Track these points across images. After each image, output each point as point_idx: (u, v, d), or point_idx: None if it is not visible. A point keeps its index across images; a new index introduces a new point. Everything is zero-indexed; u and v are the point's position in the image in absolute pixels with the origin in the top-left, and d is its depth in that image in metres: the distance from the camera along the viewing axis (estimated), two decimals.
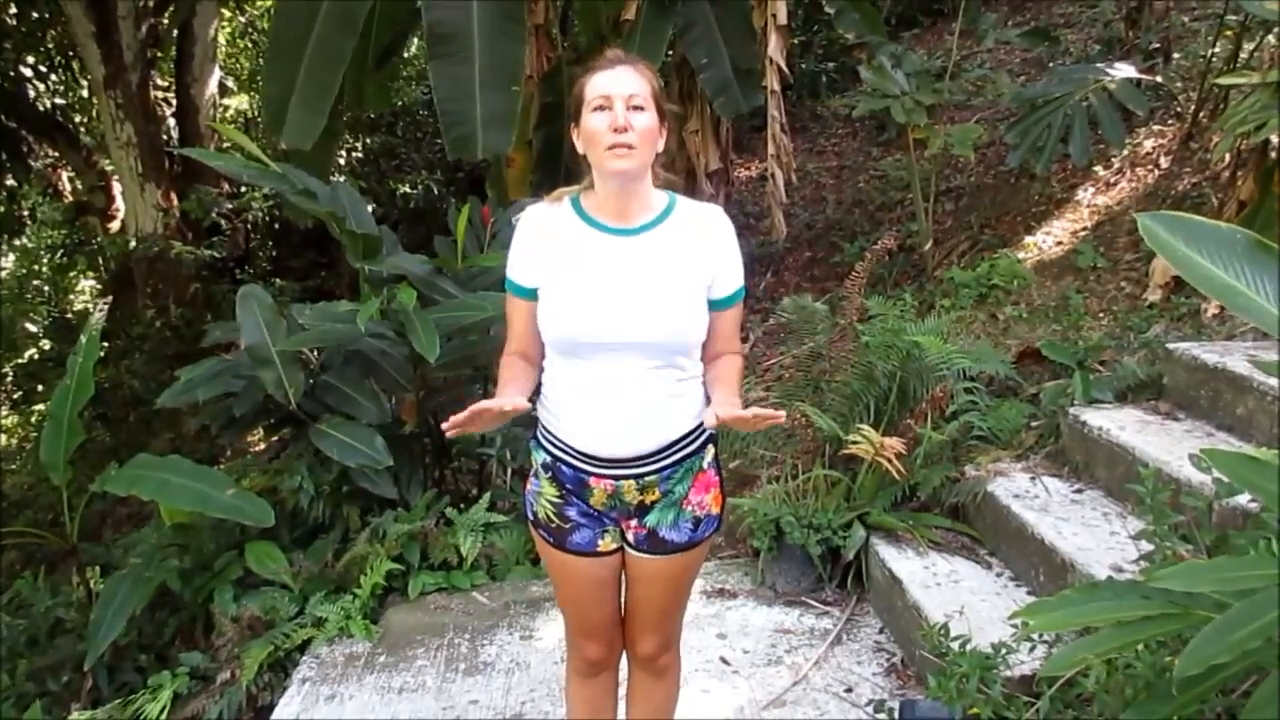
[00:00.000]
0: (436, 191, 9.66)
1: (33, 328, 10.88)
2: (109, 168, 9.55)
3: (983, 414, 3.81)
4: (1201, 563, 1.59)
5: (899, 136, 6.79)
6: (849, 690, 3.02)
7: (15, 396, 10.40)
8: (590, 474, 2.01)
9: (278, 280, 9.42)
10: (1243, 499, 2.41)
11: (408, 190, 9.92)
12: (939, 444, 3.63)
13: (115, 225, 9.76)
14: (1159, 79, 5.75)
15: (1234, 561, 1.42)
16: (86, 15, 8.17)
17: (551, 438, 2.04)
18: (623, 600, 2.22)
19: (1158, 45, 6.21)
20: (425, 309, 3.80)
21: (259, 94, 10.04)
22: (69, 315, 11.04)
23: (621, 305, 1.90)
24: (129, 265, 9.04)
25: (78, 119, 10.97)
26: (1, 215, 10.35)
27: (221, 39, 10.74)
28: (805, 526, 3.51)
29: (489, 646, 3.43)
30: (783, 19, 5.41)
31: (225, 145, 9.11)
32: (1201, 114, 5.40)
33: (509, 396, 1.88)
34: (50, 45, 10.00)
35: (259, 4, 11.41)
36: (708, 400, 2.05)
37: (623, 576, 2.18)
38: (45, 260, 11.72)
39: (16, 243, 11.49)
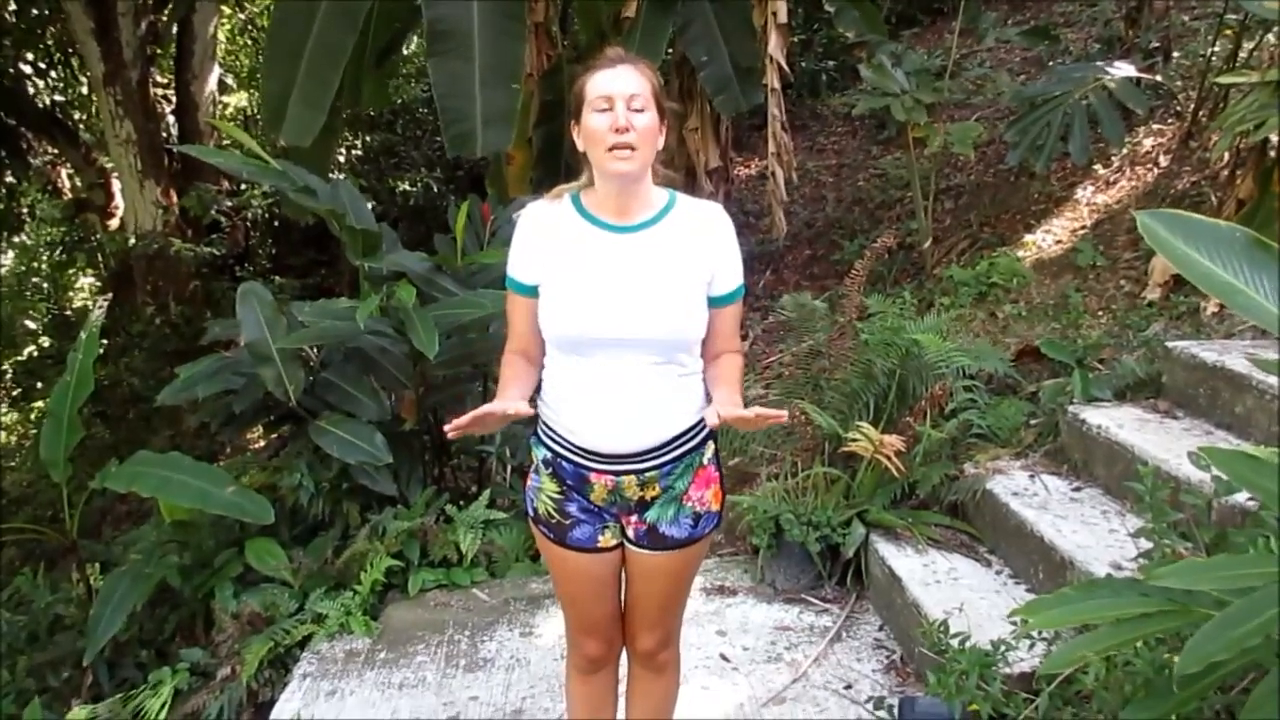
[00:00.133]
0: (436, 189, 9.66)
1: (32, 325, 10.88)
2: (108, 165, 9.55)
3: (982, 412, 3.81)
4: (1200, 561, 1.59)
5: (899, 135, 6.79)
6: (848, 687, 3.03)
7: (15, 394, 10.41)
8: (591, 470, 2.01)
9: (277, 278, 9.42)
10: (1241, 497, 2.42)
11: (407, 188, 9.92)
12: (938, 442, 3.63)
13: (115, 222, 9.76)
14: (1159, 78, 5.76)
15: (1233, 559, 1.42)
16: (86, 12, 8.18)
17: (552, 433, 2.05)
18: (623, 597, 2.23)
19: (1157, 44, 6.21)
20: (425, 306, 3.81)
21: (258, 91, 10.02)
22: (68, 312, 11.05)
23: (622, 302, 1.91)
24: (128, 262, 9.04)
25: (77, 116, 10.96)
26: (1, 212, 10.35)
27: (221, 36, 10.73)
28: (805, 524, 3.52)
29: (489, 643, 3.43)
30: (783, 17, 5.42)
31: (225, 142, 9.12)
32: (1201, 113, 5.41)
33: (511, 398, 1.89)
34: (50, 42, 10.00)
35: (259, 1, 11.40)
36: (708, 397, 2.06)
37: (623, 573, 2.18)
38: (45, 257, 11.72)
39: (16, 240, 11.49)
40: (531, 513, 2.14)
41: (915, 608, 3.03)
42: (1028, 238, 5.56)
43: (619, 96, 1.85)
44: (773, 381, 4.38)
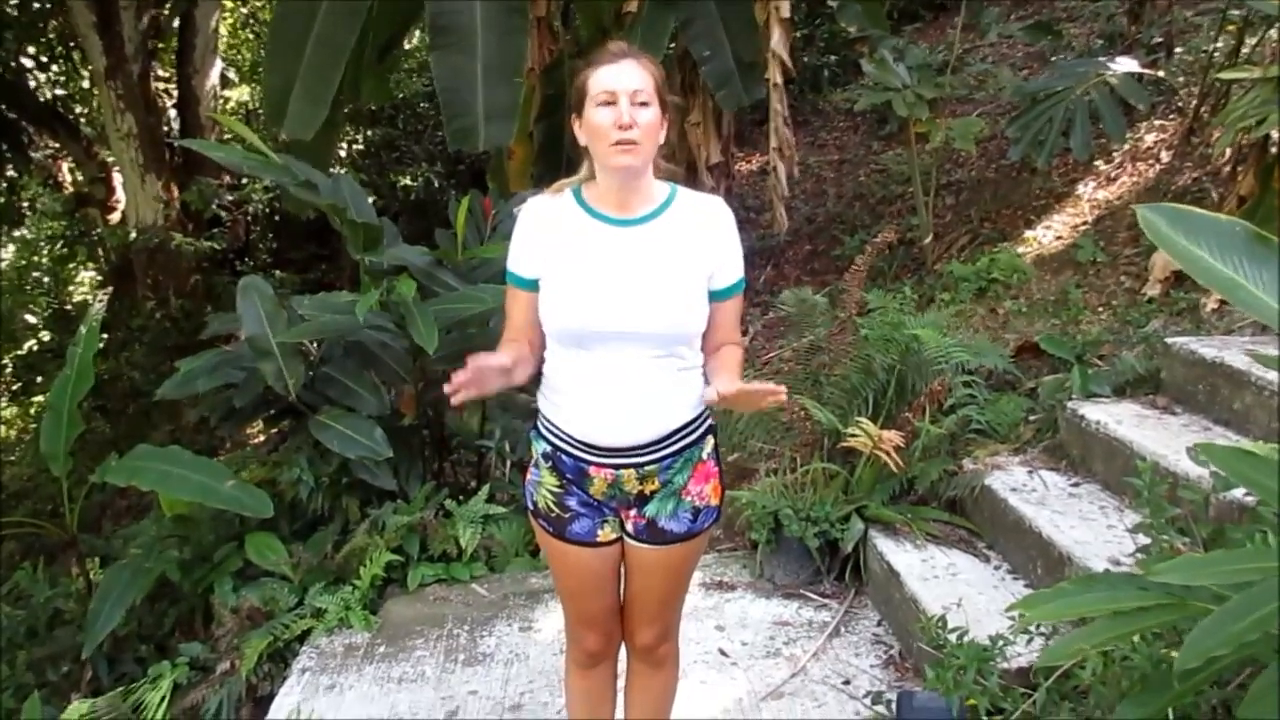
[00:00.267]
0: (437, 184, 9.66)
1: (32, 319, 10.88)
2: (109, 159, 9.56)
3: (981, 408, 3.81)
4: (1198, 556, 1.59)
5: (900, 130, 6.79)
6: (847, 682, 3.03)
7: (15, 388, 10.42)
8: (590, 463, 2.01)
9: (278, 272, 9.43)
10: (1239, 493, 2.42)
11: (408, 182, 9.92)
12: (937, 437, 3.63)
13: (115, 216, 9.76)
14: (1161, 74, 5.75)
15: (1231, 554, 1.42)
16: (88, 6, 8.17)
17: (552, 427, 2.05)
18: (622, 591, 2.23)
19: (1160, 40, 6.21)
20: (425, 301, 3.81)
21: (260, 85, 10.03)
22: (69, 306, 11.05)
23: (623, 295, 1.91)
24: (129, 257, 9.05)
25: (78, 110, 10.96)
26: (1, 206, 10.35)
27: (223, 30, 10.72)
28: (803, 519, 3.52)
29: (488, 638, 3.44)
30: (785, 12, 5.41)
31: (226, 137, 9.11)
32: (1203, 109, 5.40)
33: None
34: (51, 36, 10.00)
35: None
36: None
37: (622, 567, 2.19)
38: (45, 251, 11.72)
39: (16, 234, 11.49)
40: (531, 506, 2.14)
41: (914, 603, 3.04)
42: (1028, 233, 5.55)
43: (623, 91, 1.85)
44: (772, 376, 4.38)
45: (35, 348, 10.47)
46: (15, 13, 9.33)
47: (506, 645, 3.38)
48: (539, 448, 2.11)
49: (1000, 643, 2.20)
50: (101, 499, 6.86)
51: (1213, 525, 2.19)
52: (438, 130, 10.26)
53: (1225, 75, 4.53)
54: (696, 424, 2.05)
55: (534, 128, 5.94)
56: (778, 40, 5.39)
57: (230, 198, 9.46)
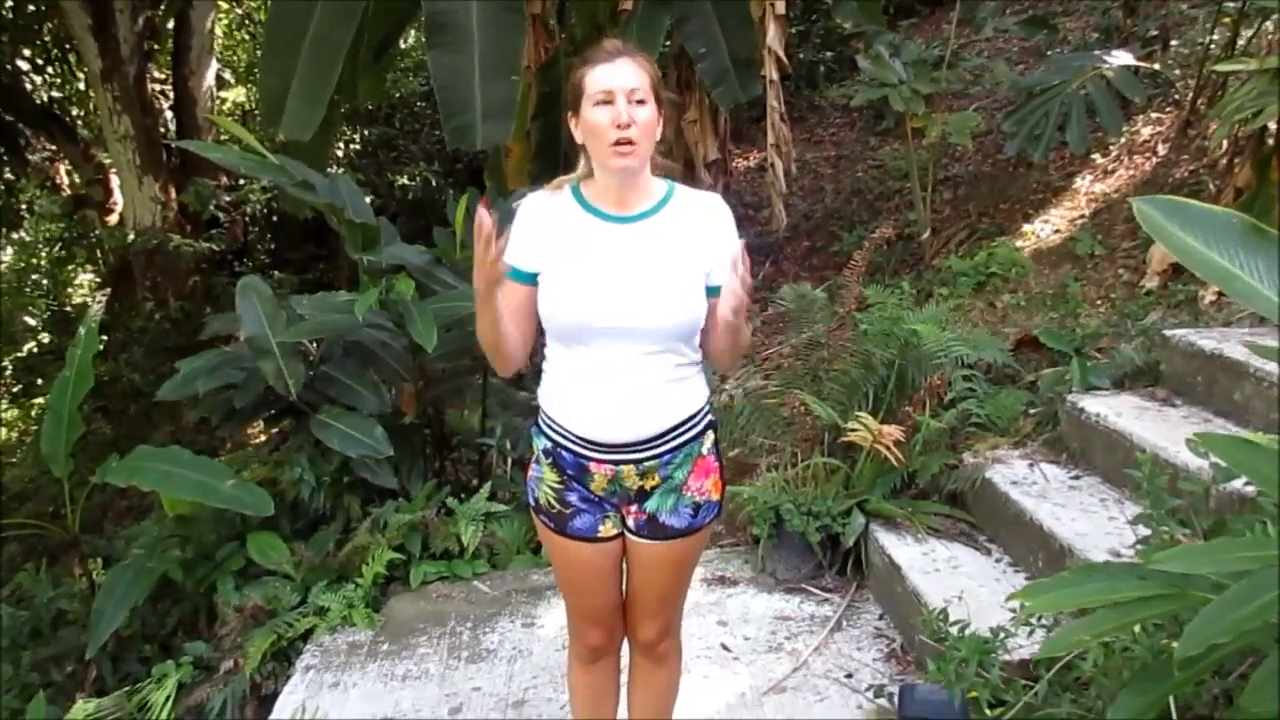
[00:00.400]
0: (435, 183, 9.66)
1: (32, 321, 10.87)
2: (107, 161, 9.54)
3: (981, 401, 3.82)
4: (1198, 545, 1.60)
5: (897, 126, 6.79)
6: (849, 676, 3.04)
7: (15, 390, 10.41)
8: (590, 459, 2.02)
9: (276, 272, 9.42)
10: (1239, 483, 2.42)
11: (406, 182, 9.91)
12: (937, 431, 3.64)
13: (113, 218, 9.75)
14: (1157, 66, 5.75)
15: (1231, 543, 1.43)
16: (83, 8, 8.16)
17: (552, 423, 2.06)
18: (624, 587, 2.24)
19: (1156, 33, 6.21)
20: (424, 299, 3.81)
21: (257, 86, 10.01)
22: (68, 308, 11.03)
23: (622, 291, 1.92)
24: (128, 258, 9.04)
25: (75, 112, 10.95)
26: (0, 209, 10.34)
27: (218, 31, 10.72)
28: (805, 514, 3.52)
29: (491, 635, 3.45)
30: (781, 8, 5.41)
31: (223, 138, 9.11)
32: (1199, 101, 5.40)
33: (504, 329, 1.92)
34: (47, 38, 9.97)
35: None
36: (708, 388, 2.09)
37: (624, 563, 2.19)
38: (44, 253, 11.71)
39: (15, 236, 11.47)
40: (533, 502, 2.15)
41: (915, 596, 3.04)
42: (1026, 227, 5.56)
43: (620, 91, 1.86)
44: (772, 372, 4.39)
45: (35, 350, 10.46)
46: (10, 15, 9.33)
47: (509, 642, 3.39)
48: (540, 444, 2.11)
49: (1001, 635, 2.21)
50: (103, 500, 6.86)
51: (1213, 516, 2.20)
52: (435, 129, 10.25)
53: (1221, 67, 4.53)
54: (696, 419, 2.06)
55: (531, 126, 5.93)
56: (773, 37, 5.39)
57: (228, 198, 9.45)
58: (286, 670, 3.38)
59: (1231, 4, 5.18)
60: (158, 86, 9.78)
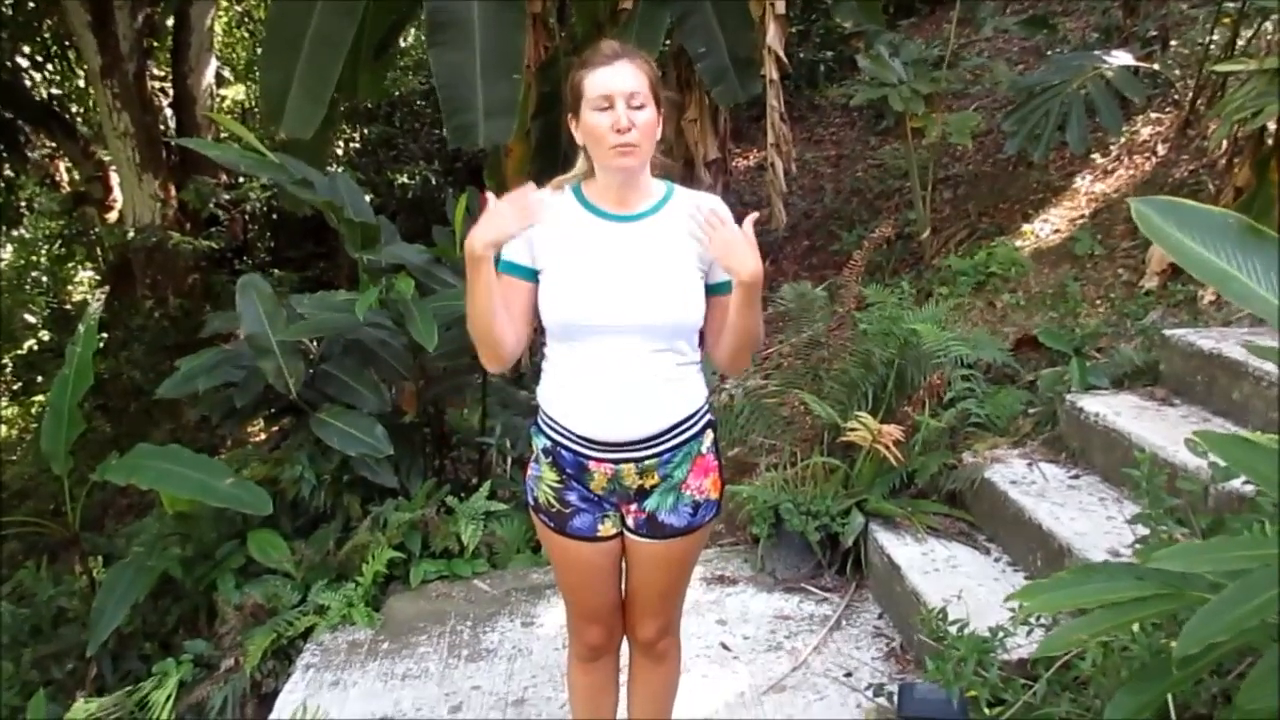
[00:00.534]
0: (434, 181, 9.66)
1: (31, 319, 10.86)
2: (106, 158, 9.54)
3: (980, 401, 3.82)
4: (1196, 544, 1.60)
5: (897, 125, 6.79)
6: (848, 675, 3.04)
7: (15, 387, 10.41)
8: (590, 458, 2.03)
9: (276, 270, 9.40)
10: (1238, 483, 2.43)
11: (406, 180, 9.91)
12: (937, 431, 3.64)
13: (113, 216, 9.75)
14: (1157, 66, 5.75)
15: (1229, 542, 1.43)
16: (83, 5, 8.15)
17: (552, 422, 2.06)
18: (624, 586, 2.24)
19: (1155, 33, 6.21)
20: (424, 298, 3.82)
21: (257, 84, 10.01)
22: (68, 306, 11.03)
23: (621, 288, 1.93)
24: (127, 256, 9.04)
25: (74, 109, 10.94)
26: None
27: (218, 29, 10.71)
28: (804, 513, 3.53)
29: (491, 633, 3.45)
30: (781, 8, 5.40)
31: (223, 135, 9.11)
32: (1199, 101, 5.41)
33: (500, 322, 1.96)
34: (46, 35, 9.97)
35: None
36: (706, 387, 2.10)
37: (623, 562, 2.20)
38: (43, 251, 11.70)
39: (14, 233, 11.47)
40: (532, 502, 2.16)
41: (914, 595, 3.05)
42: (1026, 227, 5.56)
43: (619, 95, 1.87)
44: (772, 371, 4.39)
45: (35, 347, 10.45)
46: (10, 12, 9.32)
47: (509, 641, 3.39)
48: (539, 443, 2.12)
49: (1000, 634, 2.21)
50: (103, 497, 6.87)
51: (1212, 515, 2.21)
52: (434, 128, 10.25)
53: (1221, 68, 4.54)
54: (696, 418, 2.06)
55: (530, 125, 5.93)
56: (773, 36, 5.39)
57: (227, 196, 9.44)
58: (287, 669, 3.38)
59: (1231, 4, 5.18)
60: (157, 84, 9.78)
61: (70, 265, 11.55)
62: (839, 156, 8.40)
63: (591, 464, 2.04)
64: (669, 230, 1.98)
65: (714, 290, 2.01)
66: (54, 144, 10.39)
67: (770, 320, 5.59)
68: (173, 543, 3.84)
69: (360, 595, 3.60)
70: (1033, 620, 2.26)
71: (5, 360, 10.38)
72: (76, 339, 4.08)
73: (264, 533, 3.79)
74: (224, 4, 10.89)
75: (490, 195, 1.91)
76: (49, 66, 10.54)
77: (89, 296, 11.14)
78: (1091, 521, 3.01)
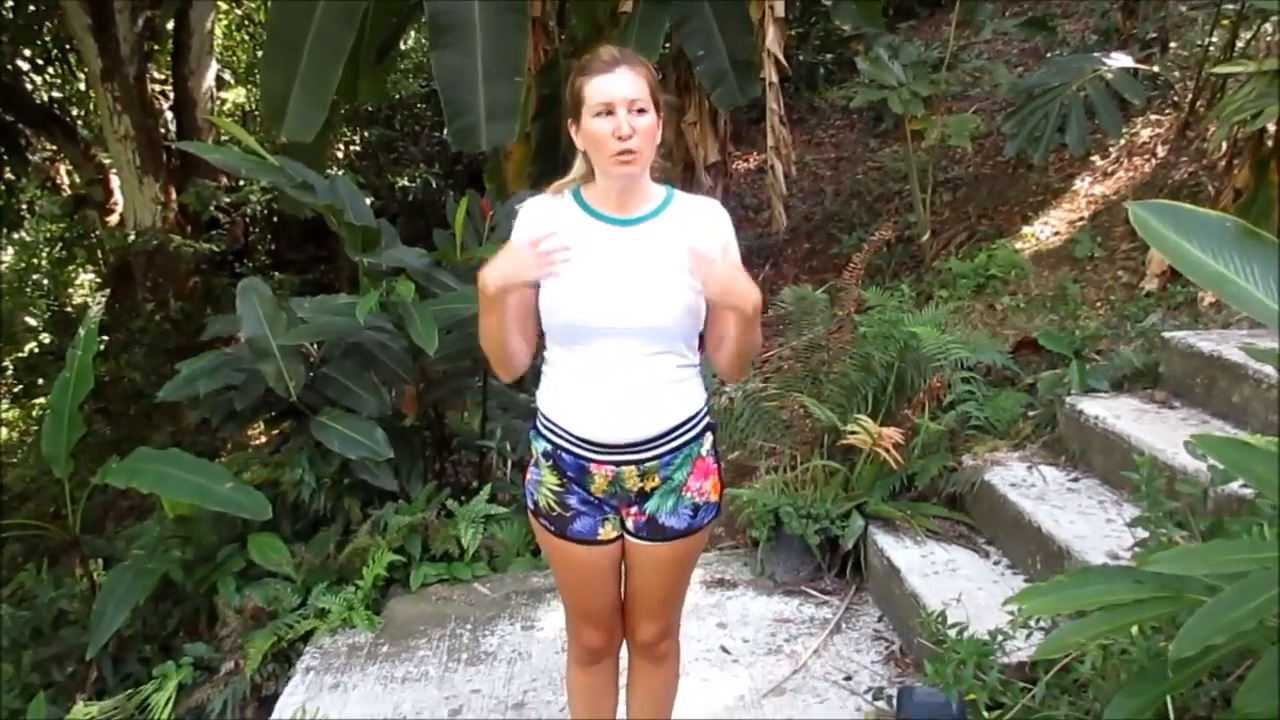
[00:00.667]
0: (435, 184, 9.66)
1: (32, 321, 10.88)
2: (107, 161, 9.55)
3: (980, 404, 3.82)
4: (1194, 547, 1.61)
5: (896, 128, 6.79)
6: (848, 678, 3.04)
7: (16, 390, 10.42)
8: (591, 460, 2.03)
9: (277, 273, 9.43)
10: (1237, 485, 2.43)
11: (406, 183, 9.92)
12: (936, 434, 3.64)
13: (114, 218, 9.76)
14: (1156, 68, 5.76)
15: (1227, 545, 1.44)
16: (83, 8, 8.17)
17: (552, 425, 2.06)
18: (623, 588, 2.24)
19: (1155, 34, 6.22)
20: (424, 302, 3.82)
21: (257, 87, 10.02)
22: (68, 309, 11.04)
23: (622, 291, 1.93)
24: (128, 259, 9.04)
25: (75, 112, 10.96)
26: (0, 209, 10.35)
27: (218, 32, 10.72)
28: (804, 516, 3.53)
29: (490, 637, 3.45)
30: (780, 11, 5.41)
31: (223, 138, 9.11)
32: (1198, 103, 5.41)
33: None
34: (47, 38, 9.99)
35: None
36: (706, 389, 2.10)
37: (623, 565, 2.20)
38: (44, 254, 11.72)
39: (15, 236, 11.48)
40: (532, 506, 2.16)
41: (914, 598, 3.05)
42: (1026, 229, 5.57)
43: (620, 102, 1.87)
44: (772, 375, 4.39)
45: (36, 350, 10.46)
46: (11, 15, 9.34)
47: (509, 644, 3.39)
48: (539, 447, 2.12)
49: (1000, 637, 2.21)
50: (104, 500, 6.86)
51: (1211, 518, 2.21)
52: (435, 131, 10.27)
53: (1220, 69, 4.54)
54: (696, 420, 2.07)
55: (530, 128, 5.94)
56: (772, 39, 5.40)
57: (228, 199, 9.45)
58: (287, 672, 3.38)
59: (1230, 6, 5.19)
60: (158, 87, 9.79)
61: (71, 268, 11.57)
62: (839, 159, 8.41)
63: (592, 466, 2.04)
64: (669, 234, 1.99)
65: None
66: (55, 147, 10.40)
67: (770, 323, 5.60)
68: (173, 545, 3.84)
69: (360, 598, 3.60)
70: (1032, 623, 2.26)
71: (6, 363, 10.40)
72: (77, 342, 4.08)
73: (264, 536, 3.79)
74: (224, 7, 10.90)
75: (520, 242, 1.92)
76: (50, 69, 10.57)
77: (90, 299, 11.10)
78: (1091, 524, 3.01)
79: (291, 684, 3.24)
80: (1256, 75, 3.78)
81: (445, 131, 4.97)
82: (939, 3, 9.21)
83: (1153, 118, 5.87)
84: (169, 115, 9.93)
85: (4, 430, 10.72)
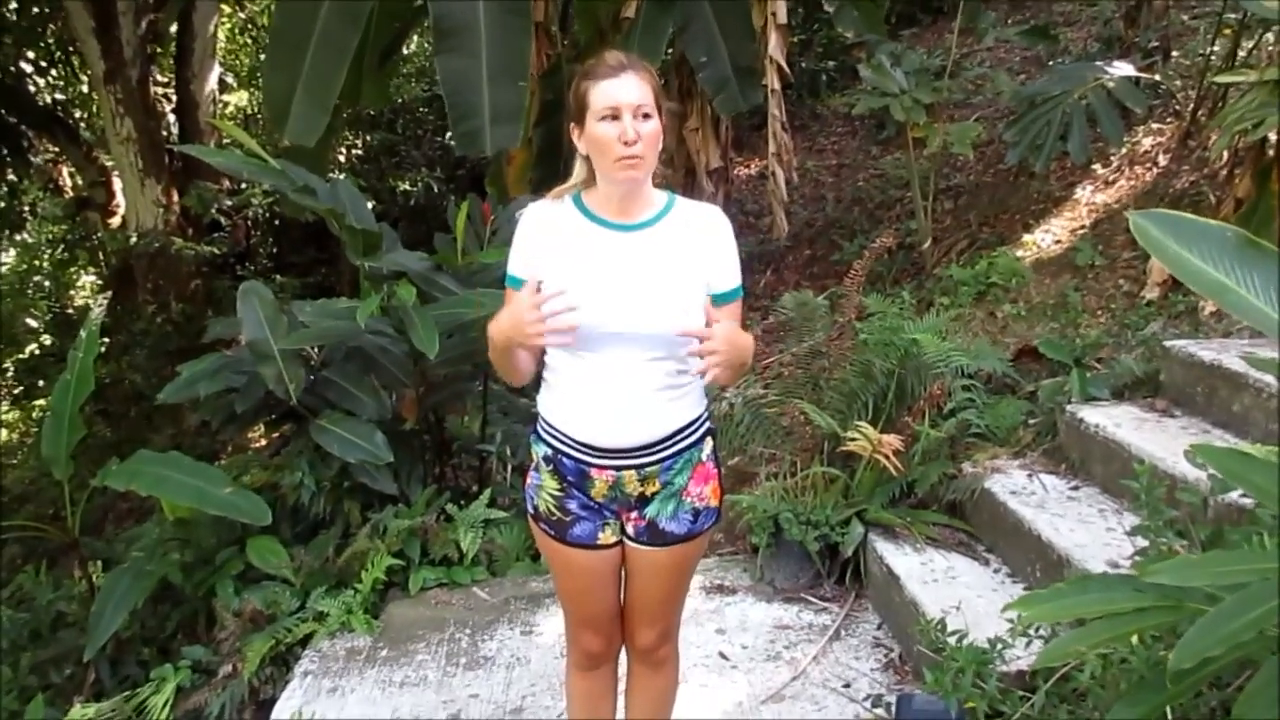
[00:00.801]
0: (436, 189, 9.67)
1: (34, 323, 10.88)
2: (109, 163, 9.56)
3: (980, 411, 3.82)
4: (1194, 557, 1.61)
5: (898, 135, 6.80)
6: (847, 685, 3.04)
7: (16, 392, 10.41)
8: (591, 465, 2.03)
9: (278, 276, 9.43)
10: (1238, 495, 2.43)
11: (408, 187, 9.93)
12: (937, 441, 3.64)
13: (116, 221, 9.77)
14: (1158, 77, 5.77)
15: (1226, 555, 1.44)
16: (86, 10, 8.18)
17: (553, 430, 2.07)
18: (622, 593, 2.24)
19: (1157, 43, 6.22)
20: (425, 306, 3.82)
21: (260, 90, 10.04)
22: (70, 311, 11.04)
23: (623, 297, 1.93)
24: (130, 261, 9.05)
25: (78, 114, 10.97)
26: (2, 211, 10.37)
27: (221, 35, 10.74)
28: (804, 523, 3.53)
29: (489, 641, 3.45)
30: (782, 17, 5.42)
31: (225, 142, 9.12)
32: (1200, 112, 5.42)
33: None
34: (50, 40, 10.01)
35: (259, 0, 11.41)
36: (706, 395, 2.10)
37: (622, 570, 2.20)
38: (46, 256, 11.72)
39: (17, 238, 11.50)
40: (532, 510, 2.16)
41: (913, 606, 3.05)
42: (1027, 237, 5.57)
43: (626, 107, 1.88)
44: (772, 381, 4.39)
45: (37, 352, 10.46)
46: (14, 18, 9.36)
47: (508, 649, 3.39)
48: (539, 451, 2.12)
49: (999, 645, 2.21)
50: (103, 502, 6.86)
51: (1211, 527, 2.21)
52: (437, 135, 10.29)
53: (1222, 79, 4.55)
54: (696, 425, 2.07)
55: (533, 132, 5.94)
56: (775, 45, 5.41)
57: (230, 202, 9.46)
58: (285, 675, 3.38)
59: (1232, 15, 5.19)
60: (160, 89, 9.81)
61: (72, 270, 11.57)
62: (840, 166, 8.41)
63: (593, 471, 2.04)
64: (670, 240, 1.99)
65: (716, 301, 2.02)
66: (57, 149, 10.42)
67: (771, 329, 5.61)
68: (172, 548, 3.84)
69: (359, 602, 3.60)
70: (1031, 631, 2.26)
71: (7, 364, 10.40)
72: (78, 344, 4.08)
73: (263, 539, 3.79)
74: (227, 10, 10.92)
75: (522, 301, 1.91)
76: (53, 72, 10.59)
77: (91, 301, 11.15)
78: (1091, 533, 3.01)
79: (289, 687, 3.23)
80: (1258, 85, 3.78)
81: (449, 135, 4.98)
82: (941, 10, 9.22)
83: (1154, 126, 5.87)
84: (171, 118, 9.94)
85: (4, 432, 10.72)
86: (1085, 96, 4.94)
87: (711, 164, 6.01)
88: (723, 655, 3.23)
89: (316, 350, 4.23)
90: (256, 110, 11.47)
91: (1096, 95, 4.92)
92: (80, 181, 10.39)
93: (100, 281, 11.08)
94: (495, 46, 4.70)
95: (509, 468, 4.49)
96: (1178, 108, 5.86)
